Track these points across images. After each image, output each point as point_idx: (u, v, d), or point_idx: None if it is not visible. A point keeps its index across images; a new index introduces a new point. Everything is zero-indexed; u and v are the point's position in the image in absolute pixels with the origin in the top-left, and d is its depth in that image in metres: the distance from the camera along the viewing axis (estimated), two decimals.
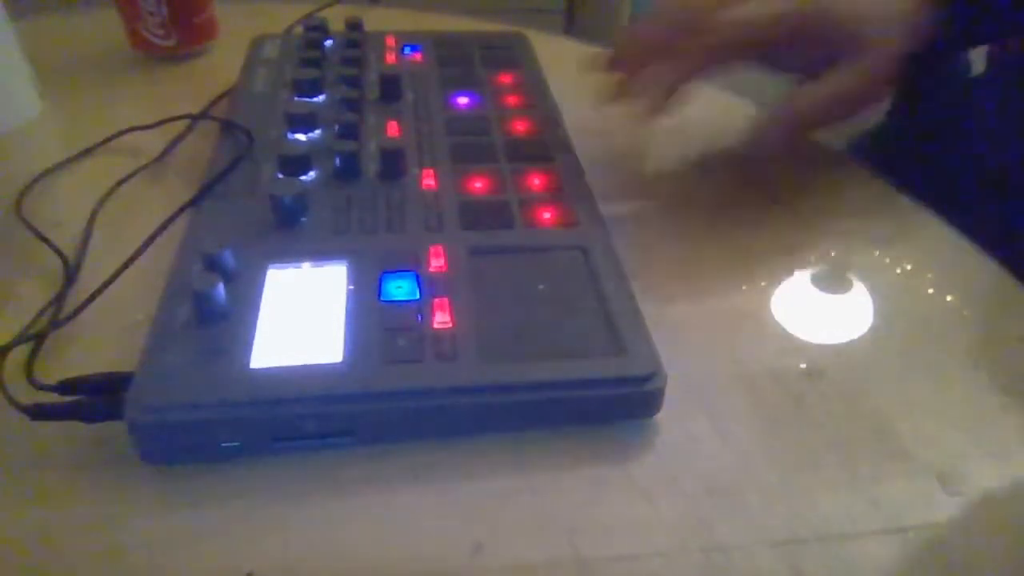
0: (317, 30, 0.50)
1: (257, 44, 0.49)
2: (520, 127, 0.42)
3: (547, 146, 0.40)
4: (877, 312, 0.35)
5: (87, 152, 0.43)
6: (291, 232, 0.33)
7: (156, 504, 0.26)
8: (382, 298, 0.30)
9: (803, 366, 0.32)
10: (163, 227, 0.34)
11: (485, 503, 0.26)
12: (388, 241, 0.33)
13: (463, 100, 0.44)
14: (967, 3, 0.39)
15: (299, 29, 0.51)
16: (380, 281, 0.31)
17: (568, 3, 1.58)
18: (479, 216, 0.35)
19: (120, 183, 0.40)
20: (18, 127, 0.46)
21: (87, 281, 0.34)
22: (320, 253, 0.32)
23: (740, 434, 0.29)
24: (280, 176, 0.37)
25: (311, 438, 0.27)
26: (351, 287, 0.31)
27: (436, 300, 0.30)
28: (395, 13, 0.61)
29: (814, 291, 0.36)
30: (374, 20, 0.52)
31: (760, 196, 0.42)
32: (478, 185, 0.37)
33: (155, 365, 0.27)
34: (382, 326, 0.29)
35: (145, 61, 0.54)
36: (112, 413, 0.26)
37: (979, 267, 0.37)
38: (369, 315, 0.29)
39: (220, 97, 0.47)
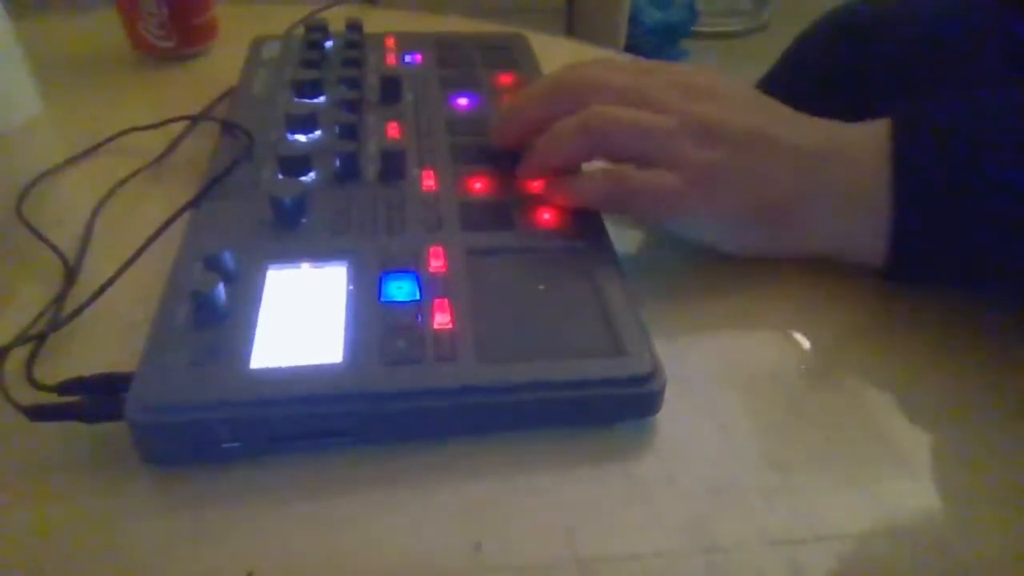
0: (317, 31, 0.50)
1: (257, 45, 0.49)
2: None
3: None
4: (878, 309, 0.35)
5: (87, 152, 0.43)
6: (291, 233, 0.33)
7: (156, 504, 0.26)
8: (382, 299, 0.30)
9: (803, 366, 0.32)
10: (163, 227, 0.34)
11: (485, 503, 0.26)
12: (388, 242, 0.33)
13: (463, 101, 0.44)
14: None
15: (299, 30, 0.51)
16: (380, 282, 0.31)
17: (568, 3, 1.59)
18: (479, 217, 0.35)
19: (120, 183, 0.40)
20: (18, 127, 0.46)
21: (87, 281, 0.34)
22: (320, 254, 0.32)
23: (740, 434, 0.29)
24: (280, 177, 0.37)
25: (311, 438, 0.27)
26: (351, 288, 0.31)
27: (436, 301, 0.30)
28: (395, 14, 0.61)
29: (813, 290, 0.36)
30: (374, 21, 0.52)
31: None
32: (478, 186, 0.37)
33: (155, 365, 0.27)
34: (382, 327, 0.29)
35: (145, 61, 0.54)
36: (112, 413, 0.26)
37: None
38: (369, 316, 0.29)
39: (220, 98, 0.47)
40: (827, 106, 0.37)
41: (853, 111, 0.36)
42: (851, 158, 0.34)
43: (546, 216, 0.35)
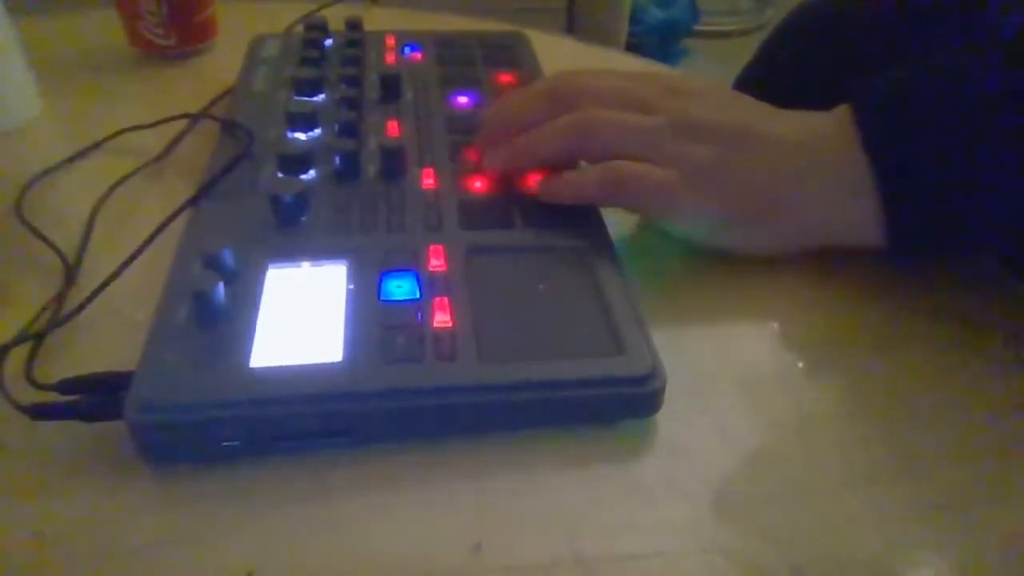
0: (317, 29, 0.50)
1: (257, 43, 0.49)
2: None
3: None
4: (877, 310, 0.35)
5: (87, 152, 0.43)
6: (291, 232, 0.33)
7: (156, 504, 0.26)
8: (382, 297, 0.30)
9: (802, 366, 0.32)
10: (163, 227, 0.34)
11: (485, 503, 0.26)
12: (388, 241, 0.33)
13: (463, 99, 0.44)
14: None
15: (299, 28, 0.51)
16: (380, 280, 0.31)
17: (568, 3, 1.58)
18: (479, 215, 0.35)
19: (120, 182, 0.40)
20: (18, 127, 0.46)
21: (87, 281, 0.34)
22: (320, 253, 0.32)
23: (740, 434, 0.29)
24: (280, 175, 0.37)
25: (311, 437, 0.27)
26: (351, 287, 0.31)
27: (436, 300, 0.30)
28: (395, 13, 0.61)
29: (813, 289, 0.36)
30: (374, 20, 0.52)
31: None
32: (478, 184, 0.37)
33: (155, 364, 0.27)
34: (382, 326, 0.29)
35: (145, 61, 0.54)
36: (112, 413, 0.26)
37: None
38: (369, 315, 0.29)
39: (220, 96, 0.47)
40: (806, 99, 0.37)
41: (832, 103, 0.36)
42: (827, 143, 0.34)
43: (546, 215, 0.35)
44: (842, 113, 0.35)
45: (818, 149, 0.35)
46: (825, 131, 0.35)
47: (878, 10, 0.51)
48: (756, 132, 0.35)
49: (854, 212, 0.34)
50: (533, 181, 0.36)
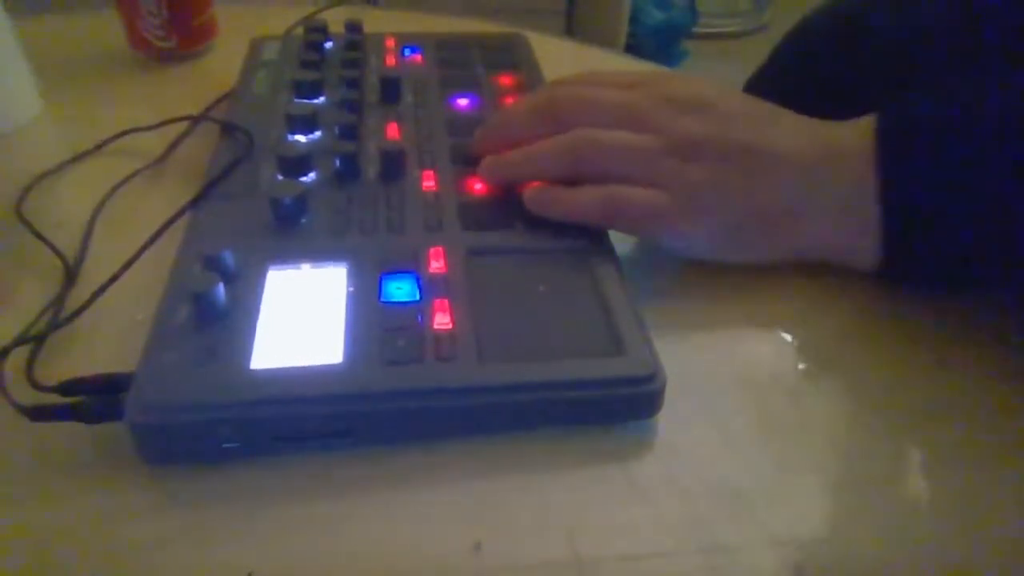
0: (317, 32, 0.50)
1: (257, 46, 0.49)
2: None
3: None
4: (878, 309, 0.35)
5: (87, 153, 0.43)
6: (291, 233, 0.33)
7: (156, 504, 0.26)
8: (382, 299, 0.30)
9: (803, 366, 0.32)
10: (163, 228, 0.34)
11: (485, 503, 0.26)
12: (388, 242, 0.33)
13: (463, 101, 0.44)
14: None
15: (299, 31, 0.51)
16: (380, 282, 0.31)
17: (568, 3, 1.59)
18: (479, 217, 0.35)
19: (120, 184, 0.40)
20: (18, 127, 0.46)
21: (87, 281, 0.34)
22: (320, 254, 0.32)
23: (740, 434, 0.29)
24: (280, 177, 0.37)
25: (311, 439, 0.27)
26: (351, 288, 0.31)
27: (436, 301, 0.30)
28: (395, 14, 0.61)
29: (813, 290, 0.36)
30: (374, 22, 0.52)
31: None
32: (478, 186, 0.37)
33: (155, 365, 0.27)
34: (382, 327, 0.29)
35: (145, 61, 0.54)
36: (112, 413, 0.26)
37: None
38: (369, 316, 0.29)
39: (220, 98, 0.47)
40: (817, 105, 0.37)
41: (843, 109, 0.35)
42: (838, 164, 0.34)
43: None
44: (864, 128, 0.34)
45: (827, 167, 0.34)
46: (841, 145, 0.34)
47: (889, 18, 0.51)
48: (759, 148, 0.34)
49: (852, 235, 0.34)
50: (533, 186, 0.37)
